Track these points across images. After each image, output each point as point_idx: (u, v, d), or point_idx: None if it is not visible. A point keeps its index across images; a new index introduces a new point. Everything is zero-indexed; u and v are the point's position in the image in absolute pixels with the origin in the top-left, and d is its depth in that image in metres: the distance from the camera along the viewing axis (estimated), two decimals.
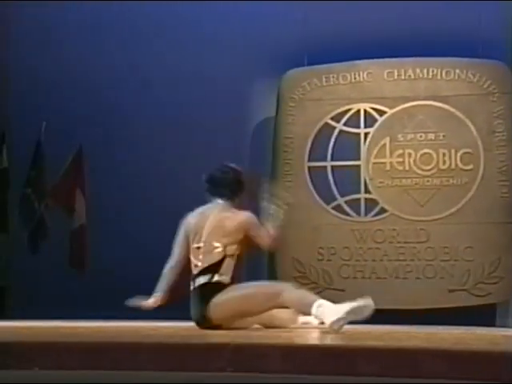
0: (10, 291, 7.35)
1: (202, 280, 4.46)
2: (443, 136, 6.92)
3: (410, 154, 6.97)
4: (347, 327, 4.67)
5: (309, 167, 7.13)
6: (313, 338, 3.92)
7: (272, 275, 7.11)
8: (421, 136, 6.97)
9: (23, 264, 7.23)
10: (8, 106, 7.55)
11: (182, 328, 4.22)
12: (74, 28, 7.64)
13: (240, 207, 4.74)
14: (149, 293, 4.86)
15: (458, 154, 6.88)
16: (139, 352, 3.08)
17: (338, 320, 4.24)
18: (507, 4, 6.78)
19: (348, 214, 7.03)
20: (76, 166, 7.41)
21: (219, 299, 4.36)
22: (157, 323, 4.83)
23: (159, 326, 4.63)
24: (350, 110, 7.12)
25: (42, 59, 7.56)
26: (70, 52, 7.56)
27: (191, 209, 7.04)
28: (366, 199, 7.02)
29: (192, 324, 4.50)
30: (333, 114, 7.13)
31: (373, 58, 7.08)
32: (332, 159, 7.12)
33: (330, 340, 3.72)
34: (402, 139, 7.00)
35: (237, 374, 2.97)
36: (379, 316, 6.28)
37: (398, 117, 7.02)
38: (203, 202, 7.10)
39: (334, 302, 6.74)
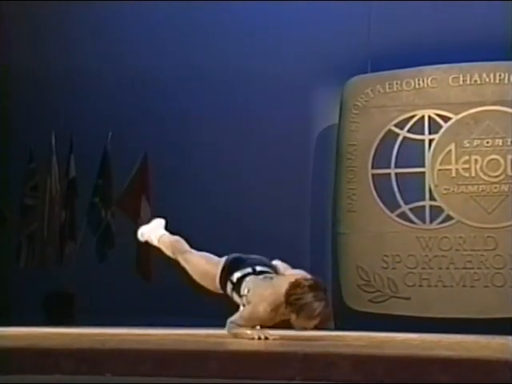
0: (76, 298, 7.47)
1: None
2: (511, 142, 6.80)
3: (476, 161, 6.87)
4: (414, 336, 4.61)
5: (373, 174, 7.09)
6: (382, 347, 3.88)
7: (336, 282, 7.09)
8: (488, 142, 6.86)
9: (90, 271, 7.35)
10: (74, 115, 7.70)
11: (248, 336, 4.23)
12: (137, 31, 7.76)
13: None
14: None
15: None
16: (208, 360, 3.09)
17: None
18: None
19: (413, 222, 6.97)
20: (141, 174, 7.50)
21: None
22: (224, 331, 4.85)
23: (227, 333, 4.64)
24: (414, 116, 7.06)
25: (105, 66, 7.69)
26: (133, 58, 7.68)
27: (256, 216, 7.12)
28: (431, 206, 6.95)
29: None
30: (397, 120, 7.09)
31: (437, 63, 7.01)
32: (396, 166, 7.07)
33: (400, 349, 3.67)
34: (468, 145, 6.91)
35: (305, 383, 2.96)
36: (446, 325, 6.22)
37: (464, 122, 6.93)
38: (268, 209, 7.17)
39: (398, 310, 6.78)
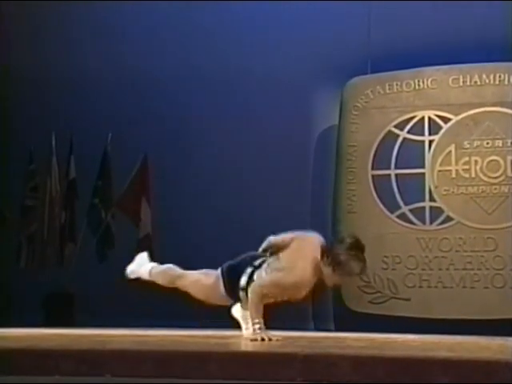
0: (76, 299, 7.47)
1: None
2: (511, 143, 6.81)
3: (476, 162, 6.87)
4: (414, 337, 4.61)
5: (372, 175, 7.08)
6: (382, 348, 3.88)
7: None
8: (488, 143, 6.86)
9: (90, 272, 7.35)
10: (74, 117, 7.70)
11: (249, 337, 4.23)
12: (137, 31, 7.76)
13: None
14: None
15: None
16: (209, 361, 3.09)
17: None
18: None
19: (413, 223, 6.96)
20: (141, 175, 7.49)
21: None
22: (224, 332, 4.86)
23: (227, 335, 4.64)
24: (414, 117, 7.06)
25: (105, 66, 7.69)
26: (133, 58, 7.67)
27: (256, 216, 7.12)
28: (431, 207, 6.95)
29: None
30: (396, 121, 7.08)
31: (437, 64, 7.01)
32: (396, 167, 7.06)
33: (400, 351, 3.67)
34: (468, 146, 6.91)
35: None
36: (447, 326, 6.22)
37: (464, 123, 6.93)
38: (268, 210, 7.16)
39: (398, 311, 6.78)
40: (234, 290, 4.45)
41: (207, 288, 4.57)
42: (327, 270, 4.19)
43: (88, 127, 7.56)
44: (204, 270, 4.67)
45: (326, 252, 4.20)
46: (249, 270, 4.40)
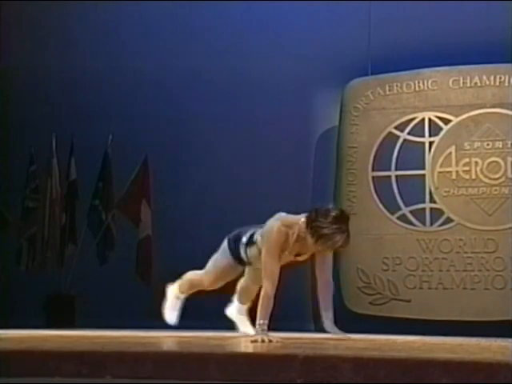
0: (77, 300, 7.47)
1: None
2: (511, 144, 6.81)
3: (476, 163, 6.88)
4: (414, 338, 4.60)
5: (373, 177, 7.09)
6: (383, 349, 3.88)
7: (336, 284, 7.08)
8: (488, 144, 6.86)
9: (90, 274, 7.35)
10: (75, 118, 7.70)
11: (249, 338, 4.23)
12: (137, 32, 7.76)
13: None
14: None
15: None
16: (209, 362, 3.09)
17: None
18: None
19: (413, 224, 6.96)
20: (142, 176, 7.50)
21: None
22: (224, 333, 4.86)
23: (227, 336, 4.64)
24: (414, 118, 7.07)
25: (106, 68, 7.70)
26: (134, 60, 7.68)
27: (256, 218, 7.11)
28: (431, 209, 6.95)
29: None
30: (397, 123, 7.09)
31: (437, 66, 7.02)
32: (396, 169, 7.07)
33: (400, 352, 3.67)
34: (468, 147, 6.91)
35: None
36: (447, 327, 6.23)
37: (464, 125, 6.93)
38: (268, 210, 7.16)
39: (399, 313, 6.78)
40: (241, 253, 4.51)
41: (217, 268, 4.64)
42: (310, 240, 4.17)
43: (88, 128, 7.57)
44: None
45: (309, 223, 4.15)
46: (250, 231, 4.51)
